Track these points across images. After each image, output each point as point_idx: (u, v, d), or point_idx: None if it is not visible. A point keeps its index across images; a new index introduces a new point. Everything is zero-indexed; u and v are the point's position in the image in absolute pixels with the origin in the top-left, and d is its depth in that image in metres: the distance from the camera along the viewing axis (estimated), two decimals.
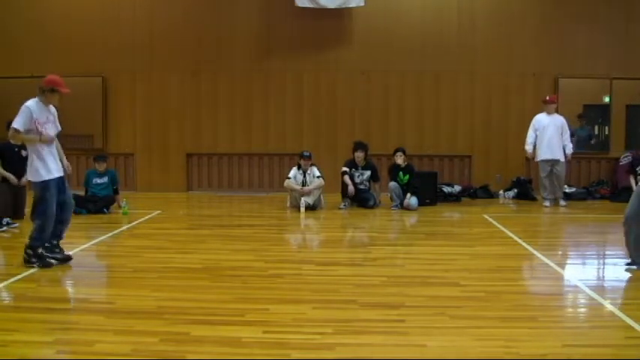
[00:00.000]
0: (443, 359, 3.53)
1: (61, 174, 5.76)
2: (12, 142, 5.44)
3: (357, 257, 6.49)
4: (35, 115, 5.58)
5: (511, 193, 11.43)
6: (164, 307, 4.38)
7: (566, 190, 11.29)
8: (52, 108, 5.84)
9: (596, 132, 12.02)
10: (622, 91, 11.66)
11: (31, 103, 5.62)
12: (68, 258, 5.84)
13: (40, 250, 5.61)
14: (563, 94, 11.71)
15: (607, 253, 7.07)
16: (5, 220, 7.73)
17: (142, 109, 11.95)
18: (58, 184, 5.68)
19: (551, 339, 3.81)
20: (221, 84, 12.05)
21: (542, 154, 10.21)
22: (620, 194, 10.49)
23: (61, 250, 5.88)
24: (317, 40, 11.86)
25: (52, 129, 5.74)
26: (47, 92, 5.70)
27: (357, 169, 10.04)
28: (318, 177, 9.73)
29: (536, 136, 10.26)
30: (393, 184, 9.89)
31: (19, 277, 5.27)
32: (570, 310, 4.69)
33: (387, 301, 4.57)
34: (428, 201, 10.19)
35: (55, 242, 5.83)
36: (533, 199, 11.08)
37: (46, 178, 5.56)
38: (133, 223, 8.32)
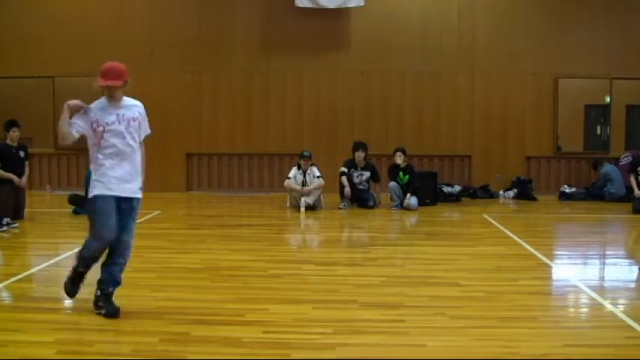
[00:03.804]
0: (443, 359, 3.53)
1: (127, 195, 4.26)
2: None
3: (357, 257, 6.49)
4: (94, 115, 4.18)
5: (511, 193, 11.44)
6: (164, 307, 4.37)
7: (566, 190, 11.32)
8: (130, 104, 4.34)
9: (597, 132, 12.00)
10: (622, 91, 11.67)
11: (96, 101, 4.28)
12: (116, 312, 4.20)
13: (80, 270, 4.31)
14: (563, 94, 11.73)
15: (607, 253, 7.06)
16: (5, 220, 7.72)
17: None
18: (118, 205, 4.21)
19: (551, 339, 3.81)
20: (221, 84, 12.05)
21: None
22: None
23: (111, 303, 4.24)
24: (317, 40, 11.86)
25: (119, 133, 4.20)
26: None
27: (356, 169, 10.04)
28: (318, 177, 9.73)
29: None
30: (393, 184, 9.88)
31: (19, 277, 5.27)
32: (570, 310, 4.69)
33: (387, 301, 4.57)
34: (428, 201, 10.19)
35: (108, 289, 4.24)
36: (534, 199, 11.09)
37: (96, 192, 4.16)
38: None
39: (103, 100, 4.25)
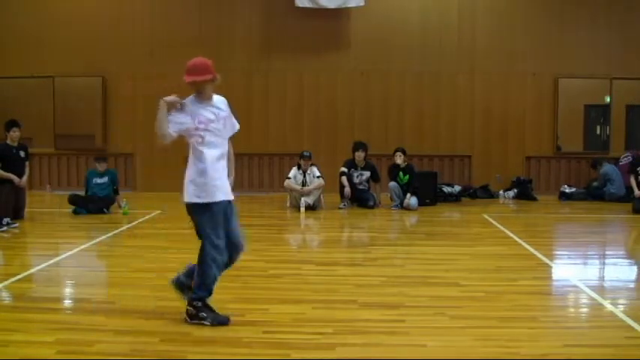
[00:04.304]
0: (443, 359, 3.53)
1: (229, 197, 4.11)
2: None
3: (357, 257, 6.49)
4: (192, 110, 3.98)
5: (511, 193, 11.44)
6: (164, 307, 4.37)
7: (566, 190, 11.32)
8: (219, 102, 4.17)
9: (597, 132, 12.00)
10: (622, 91, 11.68)
11: (187, 98, 4.05)
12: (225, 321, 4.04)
13: (208, 301, 4.04)
14: (563, 94, 11.72)
15: (607, 253, 7.06)
16: (5, 220, 7.72)
17: (142, 109, 11.93)
18: (225, 210, 4.06)
19: (551, 339, 3.81)
20: (221, 84, 11.98)
21: None
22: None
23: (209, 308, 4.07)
24: (317, 40, 11.86)
25: (219, 132, 4.07)
26: None
27: (356, 169, 10.04)
28: (318, 177, 9.73)
29: None
30: (392, 184, 9.89)
31: (19, 277, 5.27)
32: (570, 310, 4.69)
33: (387, 301, 4.57)
34: (428, 201, 10.19)
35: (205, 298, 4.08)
36: (534, 199, 11.08)
37: (208, 199, 3.96)
38: (133, 223, 8.32)
39: (192, 98, 4.04)
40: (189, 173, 4.01)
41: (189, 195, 3.98)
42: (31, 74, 11.86)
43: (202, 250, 3.98)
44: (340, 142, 11.56)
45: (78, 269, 5.86)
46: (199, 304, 3.98)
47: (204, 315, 3.97)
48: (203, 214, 3.96)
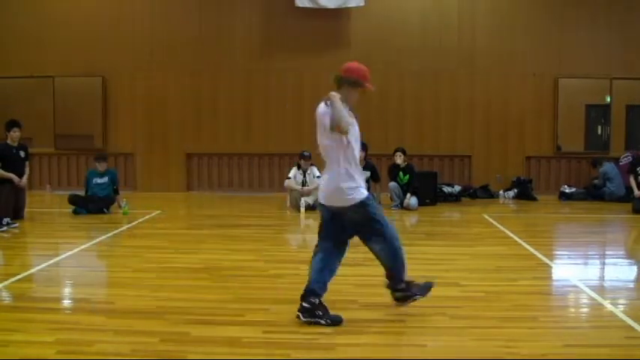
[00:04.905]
0: (443, 359, 3.53)
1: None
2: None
3: (357, 257, 6.46)
4: None
5: (511, 193, 11.44)
6: (164, 307, 4.37)
7: (566, 190, 11.32)
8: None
9: (598, 132, 11.99)
10: (622, 91, 11.68)
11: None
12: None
13: (405, 280, 4.26)
14: (563, 94, 11.72)
15: (607, 253, 7.06)
16: (5, 220, 7.72)
17: (142, 109, 11.95)
18: None
19: (551, 339, 3.81)
20: (221, 84, 12.05)
21: None
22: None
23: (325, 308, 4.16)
24: (317, 40, 11.86)
25: (358, 139, 4.08)
26: (347, 85, 4.00)
27: None
28: (318, 177, 9.71)
29: None
30: (392, 184, 9.89)
31: (19, 277, 5.26)
32: (570, 310, 4.69)
33: (387, 301, 4.56)
34: (428, 201, 10.19)
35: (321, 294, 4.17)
36: (534, 199, 11.08)
37: (362, 196, 4.01)
38: (133, 223, 8.32)
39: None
40: (337, 178, 3.99)
41: (347, 197, 4.00)
42: (31, 74, 11.86)
43: (388, 239, 4.15)
44: None
45: (78, 269, 5.86)
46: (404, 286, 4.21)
47: (413, 292, 4.22)
48: (371, 207, 4.07)
